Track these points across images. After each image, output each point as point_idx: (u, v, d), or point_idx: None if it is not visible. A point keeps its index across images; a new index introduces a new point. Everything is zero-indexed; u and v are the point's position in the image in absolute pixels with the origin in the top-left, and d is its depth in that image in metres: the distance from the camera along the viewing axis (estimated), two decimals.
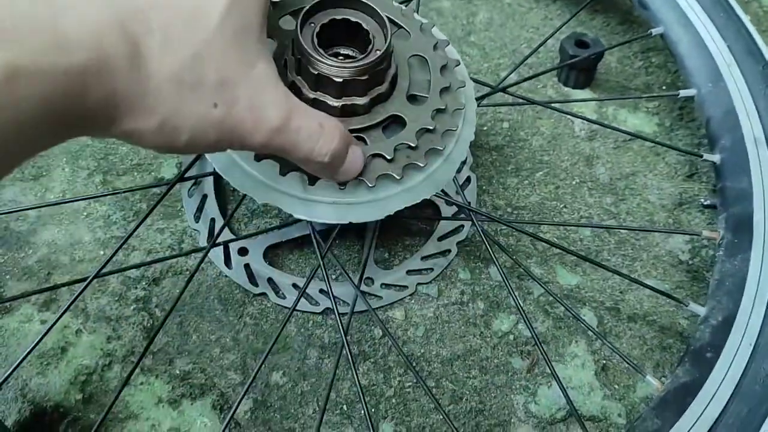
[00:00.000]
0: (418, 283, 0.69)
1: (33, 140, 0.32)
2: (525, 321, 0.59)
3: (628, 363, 0.62)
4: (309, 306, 0.67)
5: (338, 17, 0.55)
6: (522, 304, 0.69)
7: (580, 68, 0.86)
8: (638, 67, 0.92)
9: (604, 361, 0.67)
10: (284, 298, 0.67)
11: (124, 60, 0.34)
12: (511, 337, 0.67)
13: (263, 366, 0.63)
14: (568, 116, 0.84)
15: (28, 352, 0.54)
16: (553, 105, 0.77)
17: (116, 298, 0.66)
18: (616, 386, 0.65)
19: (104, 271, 0.58)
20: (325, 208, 0.55)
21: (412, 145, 0.55)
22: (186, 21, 0.37)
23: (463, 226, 0.73)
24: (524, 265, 0.66)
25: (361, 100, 0.54)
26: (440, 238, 0.72)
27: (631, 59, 0.93)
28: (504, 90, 0.64)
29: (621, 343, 0.68)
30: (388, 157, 0.54)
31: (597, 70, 0.88)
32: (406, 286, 0.69)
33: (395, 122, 0.57)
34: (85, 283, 0.57)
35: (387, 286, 0.69)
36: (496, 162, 0.80)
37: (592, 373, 0.66)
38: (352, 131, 0.54)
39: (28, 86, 0.30)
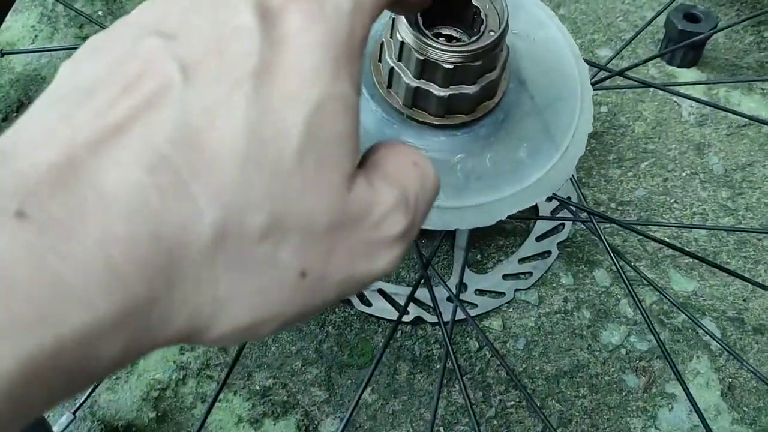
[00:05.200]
0: (516, 289, 0.62)
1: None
2: (650, 327, 0.51)
3: (764, 381, 0.55)
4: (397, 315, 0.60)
5: None
6: (632, 315, 0.62)
7: (689, 45, 0.77)
8: (749, 42, 0.82)
9: (731, 380, 0.59)
10: (370, 305, 0.61)
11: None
12: (623, 351, 0.60)
13: (350, 382, 0.57)
14: (674, 99, 0.75)
15: None
16: (673, 89, 0.69)
17: None
18: (746, 408, 0.58)
19: None
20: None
21: None
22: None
23: (563, 224, 0.65)
24: (642, 273, 0.58)
25: (470, 89, 0.47)
26: (538, 238, 0.65)
27: (740, 33, 0.83)
28: (622, 73, 0.56)
29: (747, 359, 0.60)
30: None
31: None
32: (503, 293, 0.62)
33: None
34: None
35: (482, 292, 0.62)
36: (595, 151, 0.72)
37: (717, 394, 0.58)
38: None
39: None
